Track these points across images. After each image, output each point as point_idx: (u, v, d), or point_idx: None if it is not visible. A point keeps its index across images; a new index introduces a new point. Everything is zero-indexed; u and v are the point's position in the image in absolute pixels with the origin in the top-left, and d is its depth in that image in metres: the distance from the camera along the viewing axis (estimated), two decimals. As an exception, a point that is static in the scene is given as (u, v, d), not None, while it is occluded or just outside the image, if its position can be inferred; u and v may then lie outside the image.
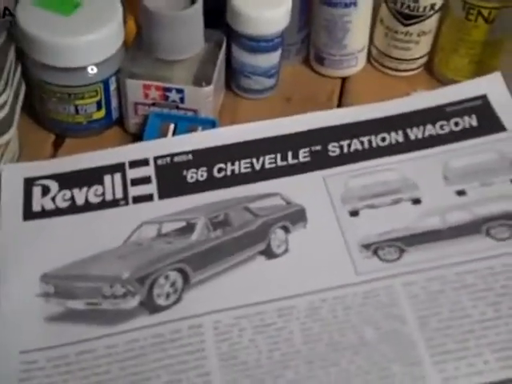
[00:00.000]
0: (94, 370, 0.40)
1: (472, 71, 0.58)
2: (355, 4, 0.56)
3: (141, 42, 0.53)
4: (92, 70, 0.52)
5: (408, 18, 0.57)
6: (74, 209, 0.48)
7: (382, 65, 0.61)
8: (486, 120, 0.50)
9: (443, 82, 0.59)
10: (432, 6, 0.56)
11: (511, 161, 0.48)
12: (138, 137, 0.54)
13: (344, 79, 0.61)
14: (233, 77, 0.58)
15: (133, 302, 0.42)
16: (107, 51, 0.52)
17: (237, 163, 0.50)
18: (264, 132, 0.51)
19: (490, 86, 0.52)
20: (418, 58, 0.60)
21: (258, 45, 0.55)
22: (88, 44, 0.50)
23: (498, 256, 0.42)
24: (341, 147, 0.50)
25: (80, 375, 0.39)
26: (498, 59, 0.56)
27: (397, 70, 0.61)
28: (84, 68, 0.52)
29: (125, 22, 0.54)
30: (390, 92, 0.57)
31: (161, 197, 0.48)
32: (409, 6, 0.56)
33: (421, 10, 0.56)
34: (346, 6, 0.56)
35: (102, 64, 0.52)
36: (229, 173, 0.49)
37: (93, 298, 0.42)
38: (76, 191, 0.49)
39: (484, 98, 0.51)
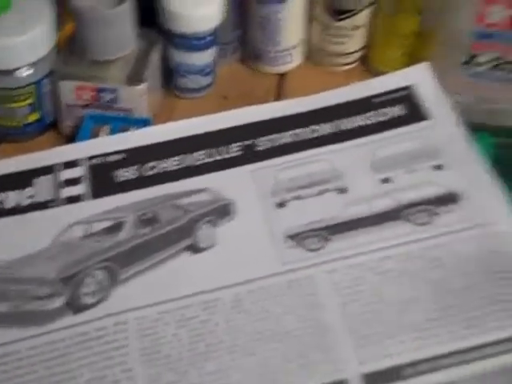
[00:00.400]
0: (17, 371, 0.39)
1: (406, 63, 0.58)
2: (287, 0, 0.56)
3: (73, 44, 0.54)
4: (24, 72, 0.52)
5: (340, 13, 0.58)
6: (3, 212, 0.48)
7: (318, 60, 0.62)
8: (413, 109, 0.51)
9: (379, 74, 0.59)
10: (361, 1, 0.57)
11: (434, 148, 0.48)
12: (73, 139, 0.54)
13: (281, 75, 0.61)
14: (169, 76, 0.59)
15: (58, 302, 0.42)
16: (39, 52, 0.52)
17: (168, 160, 0.50)
18: (195, 129, 0.51)
19: (417, 76, 0.52)
20: (352, 52, 0.61)
21: (190, 43, 0.55)
22: (19, 45, 0.50)
23: (417, 241, 0.43)
24: (271, 141, 0.50)
25: (2, 377, 0.39)
26: (430, 50, 0.56)
27: (333, 65, 0.61)
28: (16, 70, 0.52)
29: (62, 25, 0.54)
30: (328, 87, 0.57)
31: (92, 197, 0.48)
32: (340, 1, 0.57)
33: (352, 4, 0.57)
34: (278, 2, 0.57)
35: (35, 66, 0.52)
36: (160, 170, 0.49)
37: (18, 300, 0.42)
38: (6, 195, 0.48)
39: (411, 87, 0.52)
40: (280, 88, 0.60)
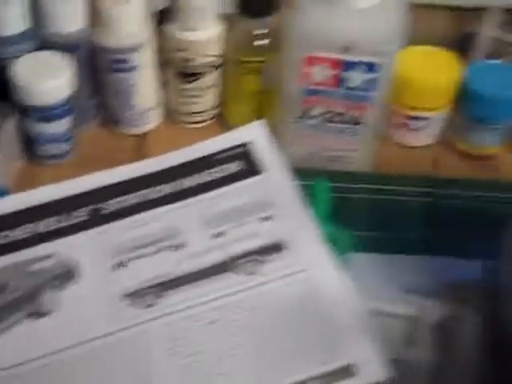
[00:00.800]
0: None
1: (255, 119, 0.62)
2: (137, 68, 0.60)
3: None
4: None
5: (188, 76, 0.62)
6: None
7: (175, 119, 0.65)
8: (249, 164, 0.54)
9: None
10: (207, 64, 0.61)
11: (265, 200, 0.52)
12: None
13: (142, 136, 0.65)
14: (29, 145, 0.61)
15: None
16: None
17: (20, 228, 0.52)
18: (48, 196, 0.54)
19: (254, 132, 0.56)
20: (206, 111, 0.65)
21: (44, 114, 0.58)
22: None
23: (243, 290, 0.46)
24: (117, 203, 0.53)
25: None
26: (273, 107, 0.61)
27: (190, 123, 0.65)
28: None
29: None
30: (186, 144, 0.61)
31: None
32: (186, 66, 0.61)
33: (197, 68, 0.61)
34: (128, 70, 0.60)
35: None
36: (12, 239, 0.51)
37: None
38: None
39: (249, 144, 0.56)
40: (141, 149, 0.64)
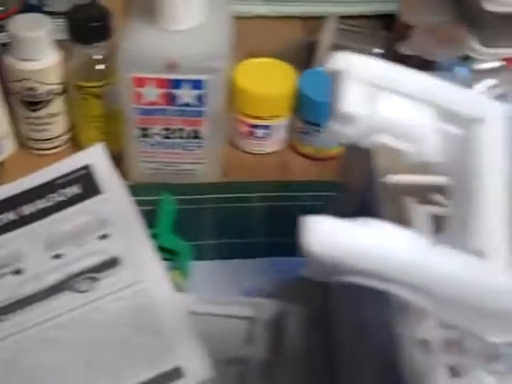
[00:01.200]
0: None
1: (104, 140, 0.65)
2: (-20, 100, 0.61)
3: None
4: None
5: (32, 104, 0.63)
6: None
7: (29, 147, 0.67)
8: (89, 187, 0.57)
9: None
10: (50, 92, 0.63)
11: (103, 219, 0.54)
12: None
13: (-2, 165, 0.66)
14: None
15: None
16: None
17: None
18: None
19: (92, 156, 0.58)
20: (58, 137, 0.66)
21: None
22: None
23: (78, 307, 0.48)
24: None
25: None
26: (118, 128, 0.63)
27: (43, 150, 0.67)
28: None
29: None
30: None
31: None
32: (30, 95, 0.62)
33: (41, 96, 0.63)
34: (-28, 103, 0.61)
35: None
36: None
37: None
38: None
39: (89, 167, 0.58)
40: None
